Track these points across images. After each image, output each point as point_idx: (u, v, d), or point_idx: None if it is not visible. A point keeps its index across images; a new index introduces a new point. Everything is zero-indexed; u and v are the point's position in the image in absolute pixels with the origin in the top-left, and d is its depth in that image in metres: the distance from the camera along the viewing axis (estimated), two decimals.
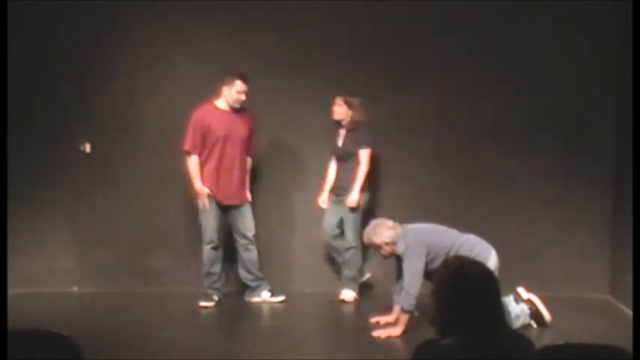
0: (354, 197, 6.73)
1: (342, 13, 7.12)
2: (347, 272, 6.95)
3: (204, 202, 6.61)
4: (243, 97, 6.57)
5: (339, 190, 6.87)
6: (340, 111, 6.78)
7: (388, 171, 7.22)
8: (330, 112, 6.83)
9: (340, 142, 6.86)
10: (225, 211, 6.74)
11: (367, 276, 7.07)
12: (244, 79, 6.53)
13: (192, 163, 6.61)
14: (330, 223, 6.93)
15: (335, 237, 6.95)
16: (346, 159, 6.82)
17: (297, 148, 7.17)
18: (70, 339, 2.93)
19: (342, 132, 6.85)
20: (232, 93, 6.55)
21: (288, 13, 7.13)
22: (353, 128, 6.78)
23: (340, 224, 6.90)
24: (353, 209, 6.75)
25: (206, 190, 6.59)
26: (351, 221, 6.83)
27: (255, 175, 6.98)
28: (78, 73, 7.18)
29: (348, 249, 6.88)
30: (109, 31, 7.18)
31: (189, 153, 6.61)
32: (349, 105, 6.75)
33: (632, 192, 6.01)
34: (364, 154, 6.76)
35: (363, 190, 6.77)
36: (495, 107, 7.11)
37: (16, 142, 6.83)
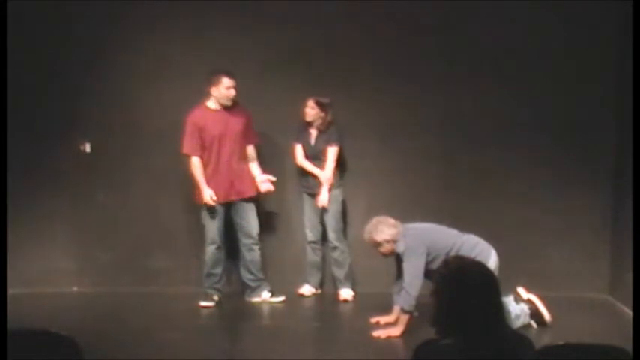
0: (324, 197, 6.83)
1: (342, 13, 7.11)
2: (339, 271, 7.01)
3: (208, 204, 6.61)
4: (232, 92, 6.59)
5: (312, 190, 6.93)
6: (312, 113, 6.84)
7: (388, 171, 7.23)
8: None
9: (312, 142, 6.92)
10: (229, 210, 6.75)
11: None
12: (230, 75, 6.55)
13: (195, 165, 6.62)
14: (311, 226, 7.02)
15: (316, 244, 7.05)
16: (318, 158, 6.89)
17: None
18: (70, 339, 2.93)
19: (314, 132, 6.91)
20: (221, 91, 6.57)
21: (287, 14, 7.12)
22: (324, 129, 6.84)
23: (322, 223, 6.99)
24: (327, 208, 6.87)
25: (211, 195, 6.57)
26: (330, 221, 6.92)
27: None
28: (78, 73, 7.17)
29: (333, 249, 6.96)
30: (110, 32, 7.18)
31: (188, 156, 6.63)
32: (321, 107, 6.81)
33: (632, 192, 6.00)
34: (332, 152, 6.84)
35: (334, 187, 6.87)
36: (495, 107, 7.10)
37: (16, 142, 6.83)
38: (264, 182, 6.79)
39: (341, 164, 7.01)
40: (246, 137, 6.76)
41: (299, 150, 6.97)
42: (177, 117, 6.74)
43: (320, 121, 6.86)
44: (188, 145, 6.62)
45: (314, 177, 6.92)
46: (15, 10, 6.57)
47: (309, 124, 6.91)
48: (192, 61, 7.10)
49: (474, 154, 7.14)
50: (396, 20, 7.11)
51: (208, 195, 6.59)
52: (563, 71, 7.02)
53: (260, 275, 6.89)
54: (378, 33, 7.14)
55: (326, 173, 6.86)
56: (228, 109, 6.66)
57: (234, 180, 6.70)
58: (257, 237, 6.83)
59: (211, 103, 6.66)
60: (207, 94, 6.64)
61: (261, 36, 7.15)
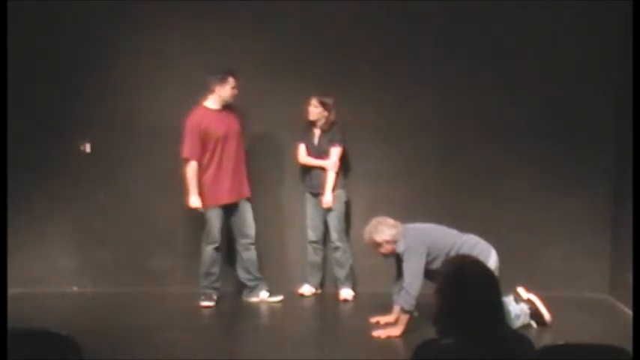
0: (327, 198, 6.84)
1: (341, 14, 7.11)
2: (340, 272, 7.03)
3: (199, 208, 6.62)
4: (236, 91, 6.62)
5: (316, 189, 6.93)
6: (316, 112, 6.86)
7: (388, 171, 7.23)
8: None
9: (316, 141, 6.93)
10: (228, 210, 6.75)
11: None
12: (235, 74, 6.59)
13: (191, 169, 6.59)
14: (313, 225, 7.02)
15: (317, 244, 7.06)
16: (321, 158, 6.89)
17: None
18: (70, 339, 2.94)
19: (317, 132, 6.92)
20: (227, 90, 6.59)
21: (287, 15, 7.13)
22: (328, 129, 6.85)
23: (324, 223, 7.01)
24: (331, 209, 6.87)
25: (198, 204, 6.59)
26: (333, 221, 6.93)
27: (253, 174, 6.96)
28: (78, 73, 7.18)
29: (335, 249, 6.98)
30: (110, 32, 7.18)
31: (187, 160, 6.61)
32: (324, 106, 6.82)
33: (632, 192, 6.01)
34: (335, 152, 6.85)
35: (337, 187, 6.88)
36: (495, 107, 7.10)
37: (16, 142, 6.83)
38: None
39: (344, 164, 7.01)
40: (242, 137, 6.78)
41: (302, 149, 6.98)
42: (177, 117, 6.74)
43: (323, 120, 6.87)
44: (188, 148, 6.58)
45: (317, 177, 6.92)
46: (15, 10, 6.58)
47: (313, 124, 6.92)
48: (193, 61, 7.10)
49: (474, 155, 7.14)
50: (397, 20, 7.11)
51: (195, 202, 6.58)
52: (563, 71, 7.02)
53: (258, 275, 6.89)
54: (379, 33, 7.14)
55: (330, 173, 6.86)
56: (226, 108, 6.67)
57: (236, 180, 6.71)
58: (254, 237, 6.83)
59: (211, 103, 6.65)
60: (208, 94, 6.63)
61: (261, 36, 7.15)
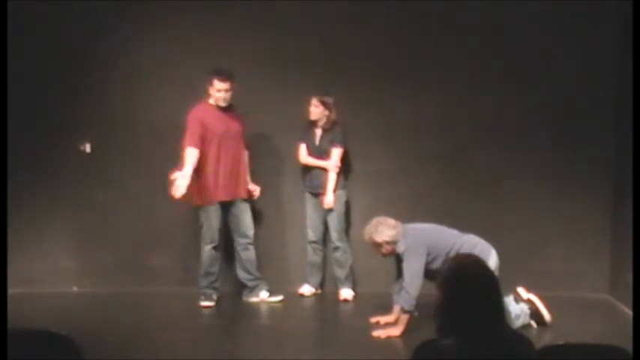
0: (329, 199, 6.84)
1: (340, 15, 7.12)
2: (340, 272, 7.03)
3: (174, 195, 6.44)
4: (223, 94, 6.57)
5: (316, 190, 6.93)
6: (317, 112, 6.86)
7: (389, 171, 7.23)
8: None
9: (317, 141, 6.92)
10: (226, 209, 6.75)
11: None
12: (222, 77, 6.52)
13: (191, 154, 6.49)
14: (313, 226, 7.02)
15: (317, 245, 7.06)
16: (322, 158, 6.89)
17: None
18: (70, 339, 2.94)
19: (318, 131, 6.92)
20: (214, 92, 6.58)
21: (287, 15, 7.13)
22: (329, 128, 6.84)
23: (324, 224, 7.01)
24: (331, 209, 6.88)
25: (179, 189, 6.38)
26: (334, 221, 6.93)
27: (253, 175, 6.97)
28: (78, 73, 7.18)
29: (335, 249, 6.98)
30: (110, 32, 7.18)
31: (190, 149, 6.58)
32: (325, 105, 6.82)
33: (632, 192, 6.00)
34: (336, 153, 6.85)
35: (338, 187, 6.88)
36: (495, 107, 7.10)
37: (16, 142, 6.84)
38: (253, 191, 6.87)
39: (344, 164, 7.00)
40: (243, 138, 6.77)
41: (303, 149, 6.97)
42: (178, 117, 6.74)
43: (325, 120, 6.87)
44: (190, 139, 6.53)
45: (318, 177, 6.92)
46: (15, 10, 6.58)
47: (314, 124, 6.91)
48: (193, 61, 7.10)
49: (475, 155, 7.15)
50: (397, 20, 7.11)
51: (179, 190, 6.38)
52: (563, 71, 7.02)
53: (257, 274, 6.89)
54: (379, 33, 7.14)
55: (331, 174, 6.86)
56: (228, 109, 6.67)
57: (233, 179, 6.71)
58: (252, 237, 6.84)
59: (212, 101, 6.67)
60: (206, 93, 6.65)
61: (261, 36, 7.15)
